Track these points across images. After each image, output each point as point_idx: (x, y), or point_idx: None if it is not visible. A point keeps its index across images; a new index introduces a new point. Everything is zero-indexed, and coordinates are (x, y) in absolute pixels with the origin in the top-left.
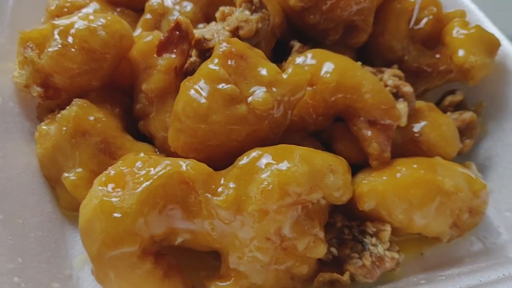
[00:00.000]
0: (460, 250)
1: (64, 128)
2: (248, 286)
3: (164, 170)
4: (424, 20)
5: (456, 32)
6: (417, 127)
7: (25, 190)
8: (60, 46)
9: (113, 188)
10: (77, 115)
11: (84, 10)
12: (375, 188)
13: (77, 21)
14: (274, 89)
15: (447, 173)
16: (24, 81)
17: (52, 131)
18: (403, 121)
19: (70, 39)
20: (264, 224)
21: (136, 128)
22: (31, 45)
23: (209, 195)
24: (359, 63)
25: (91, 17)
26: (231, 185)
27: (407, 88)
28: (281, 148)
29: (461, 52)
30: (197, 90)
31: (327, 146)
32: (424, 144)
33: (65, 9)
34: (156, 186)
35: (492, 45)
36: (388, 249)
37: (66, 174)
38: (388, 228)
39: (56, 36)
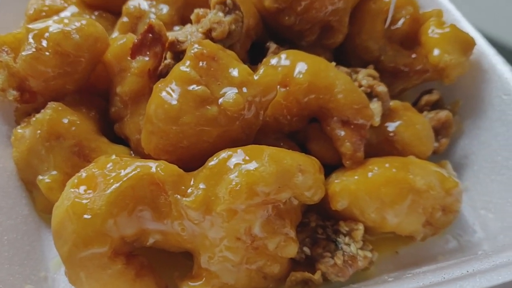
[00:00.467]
0: (435, 248)
1: (39, 132)
2: (220, 285)
3: (134, 172)
4: (401, 20)
5: (431, 31)
6: (391, 127)
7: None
8: (34, 50)
9: (84, 190)
10: (51, 118)
11: (62, 14)
12: (347, 187)
13: (52, 25)
14: (245, 90)
15: (419, 172)
16: (0, 85)
17: (27, 135)
18: (376, 121)
19: (44, 43)
20: (233, 223)
21: (113, 130)
22: (6, 49)
23: (178, 196)
24: (333, 63)
25: (66, 20)
26: (201, 185)
27: (381, 88)
28: (250, 149)
29: (436, 52)
30: (168, 92)
31: (302, 146)
32: (398, 144)
33: (43, 13)
34: (126, 188)
35: (467, 44)
36: (361, 248)
37: (40, 177)
38: (360, 227)
39: (31, 40)
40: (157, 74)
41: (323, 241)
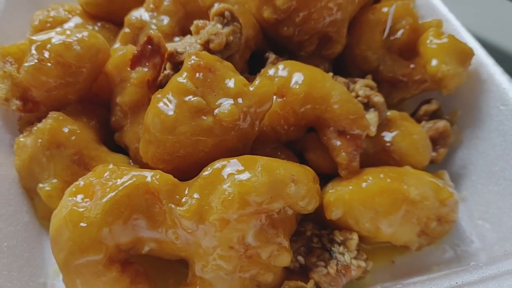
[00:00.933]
0: (432, 258)
1: (40, 140)
2: None
3: (129, 181)
4: (401, 30)
5: (430, 42)
6: (388, 137)
7: (0, 200)
8: (36, 61)
9: (82, 199)
10: (52, 127)
11: (66, 25)
12: (341, 197)
13: (54, 36)
14: (240, 101)
15: (414, 182)
16: (3, 95)
17: (28, 143)
18: (372, 131)
19: (46, 54)
20: (225, 233)
21: (114, 139)
22: (10, 60)
23: (172, 205)
24: (330, 74)
25: (68, 32)
26: (195, 195)
27: (378, 98)
28: (244, 159)
29: (433, 62)
30: (165, 102)
31: (301, 156)
32: (395, 153)
33: (48, 24)
34: (121, 197)
35: (465, 54)
36: (355, 258)
37: (41, 185)
38: (355, 237)
39: (34, 51)
40: (156, 84)
41: (318, 250)
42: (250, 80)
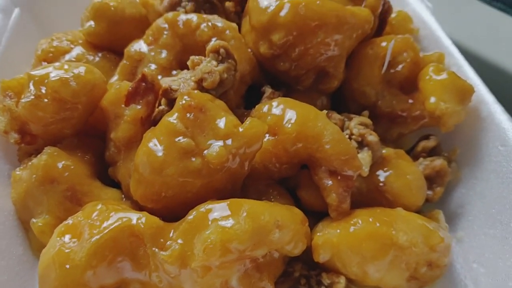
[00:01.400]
0: None
1: (34, 176)
2: None
3: (115, 224)
4: (401, 64)
5: (429, 78)
6: (382, 176)
7: None
8: (33, 96)
9: (70, 238)
10: (46, 163)
11: (67, 56)
12: (329, 240)
13: (52, 71)
14: (229, 142)
15: (403, 227)
16: (3, 127)
17: (24, 177)
18: (365, 171)
19: (43, 90)
20: (207, 279)
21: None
22: (10, 94)
23: (156, 249)
24: (324, 111)
25: (66, 66)
26: (179, 241)
27: (372, 138)
28: (230, 203)
29: (432, 99)
30: (155, 143)
31: (295, 192)
32: (388, 193)
33: (50, 54)
34: (106, 240)
35: (465, 92)
36: None
37: (34, 220)
38: (342, 280)
39: (31, 87)
40: (150, 121)
41: None
42: (246, 115)
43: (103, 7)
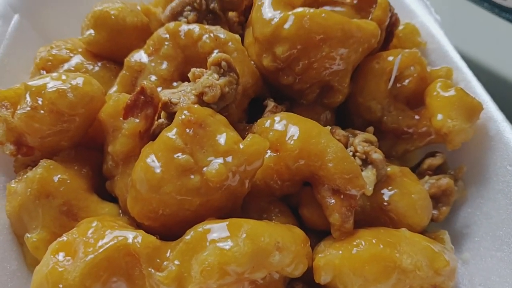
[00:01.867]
0: None
1: (29, 190)
2: None
3: (111, 243)
4: (408, 78)
5: (437, 94)
6: (386, 195)
7: None
8: (29, 108)
9: (64, 257)
10: (41, 177)
11: (66, 65)
12: (331, 262)
13: (49, 82)
14: (229, 159)
15: (407, 249)
16: None
17: (19, 191)
18: (369, 190)
19: (39, 101)
20: None
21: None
22: (6, 104)
23: (152, 269)
24: (328, 127)
25: (64, 77)
26: (176, 261)
27: (377, 155)
28: (229, 223)
29: (439, 116)
30: (153, 159)
31: (296, 210)
32: (393, 213)
33: (49, 63)
34: (101, 260)
35: (473, 109)
36: None
37: (28, 235)
38: None
39: (28, 98)
40: (149, 135)
41: None
42: (248, 129)
43: (103, 15)
